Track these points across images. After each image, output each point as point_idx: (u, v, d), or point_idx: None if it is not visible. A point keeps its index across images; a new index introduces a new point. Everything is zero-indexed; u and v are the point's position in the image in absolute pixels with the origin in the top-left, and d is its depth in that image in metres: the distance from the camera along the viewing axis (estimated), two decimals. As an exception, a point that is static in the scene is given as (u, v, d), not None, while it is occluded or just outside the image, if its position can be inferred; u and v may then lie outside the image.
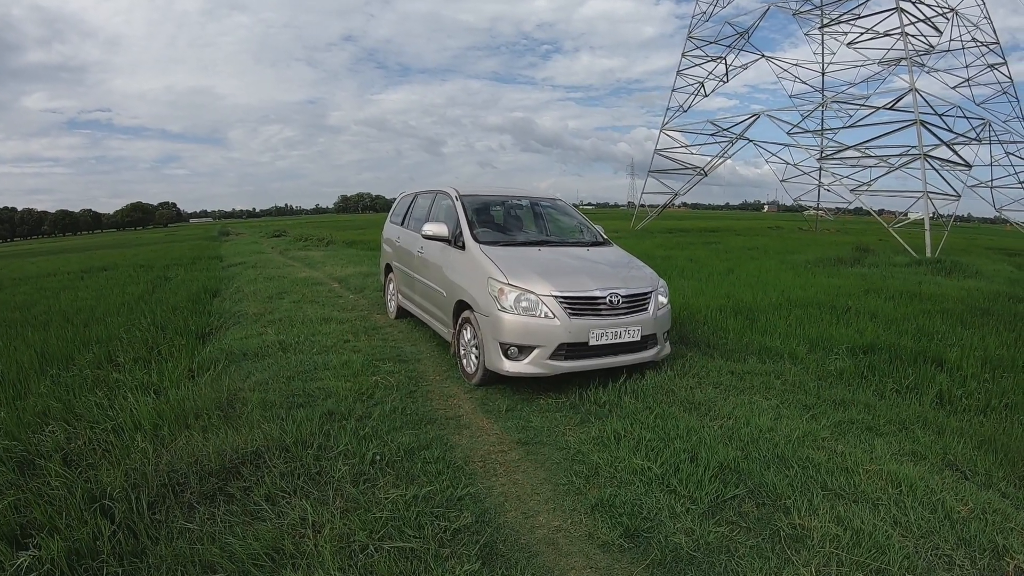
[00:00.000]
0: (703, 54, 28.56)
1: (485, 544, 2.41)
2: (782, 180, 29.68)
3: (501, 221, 5.70)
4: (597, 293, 4.19)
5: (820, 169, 26.22)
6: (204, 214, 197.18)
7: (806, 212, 36.66)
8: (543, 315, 4.07)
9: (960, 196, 17.27)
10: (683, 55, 29.39)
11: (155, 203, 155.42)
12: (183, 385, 4.31)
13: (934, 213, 16.84)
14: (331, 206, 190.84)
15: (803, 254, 15.01)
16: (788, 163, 28.08)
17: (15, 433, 3.40)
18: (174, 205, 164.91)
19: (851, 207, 23.99)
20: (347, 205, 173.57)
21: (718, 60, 27.99)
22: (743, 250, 16.43)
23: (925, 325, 6.20)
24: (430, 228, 5.16)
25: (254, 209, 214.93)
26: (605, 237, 5.66)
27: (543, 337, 4.05)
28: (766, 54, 28.21)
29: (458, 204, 5.28)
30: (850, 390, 4.35)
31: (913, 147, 16.93)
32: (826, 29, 24.21)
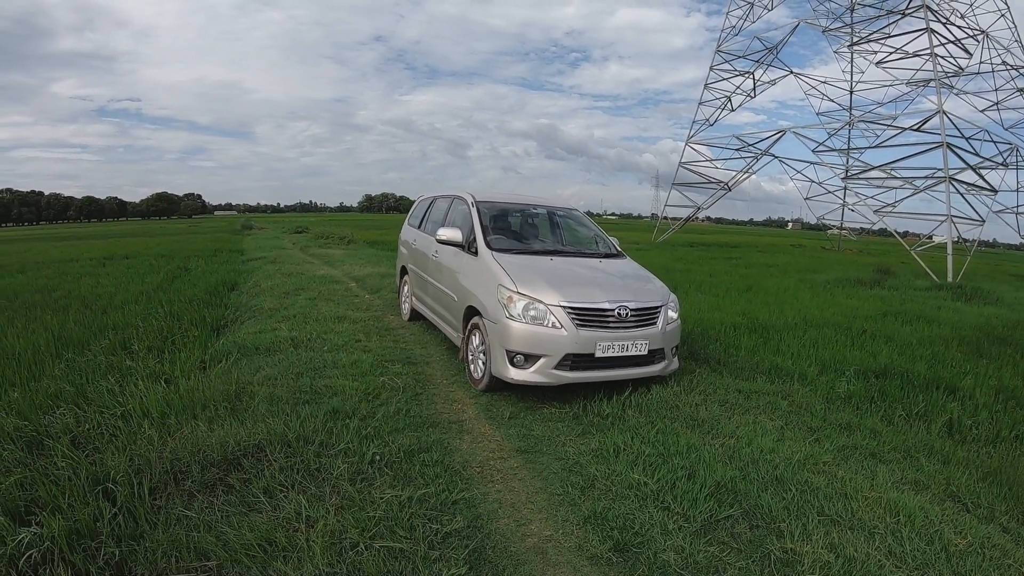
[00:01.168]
0: (731, 68, 28.48)
1: (474, 549, 2.42)
2: (806, 198, 29.41)
3: (516, 229, 5.73)
4: (606, 305, 4.18)
5: (845, 188, 25.90)
6: (229, 207, 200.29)
7: (829, 231, 36.22)
8: (551, 325, 4.08)
9: (985, 221, 17.02)
10: (711, 68, 29.32)
11: (180, 194, 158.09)
12: (194, 376, 4.37)
13: (958, 237, 16.53)
14: (355, 205, 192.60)
15: (824, 273, 14.84)
16: (813, 181, 27.81)
17: (26, 414, 3.50)
18: (199, 197, 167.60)
19: (875, 228, 23.65)
20: (371, 204, 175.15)
21: (746, 75, 27.86)
22: (763, 267, 16.30)
23: (940, 351, 6.10)
24: (444, 233, 5.19)
25: (278, 204, 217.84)
26: (619, 249, 5.66)
27: (549, 347, 4.05)
28: (794, 70, 28.04)
29: (473, 210, 5.31)
30: (858, 414, 4.29)
31: (939, 170, 16.66)
32: (855, 47, 23.96)
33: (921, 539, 2.62)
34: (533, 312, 4.11)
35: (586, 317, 4.13)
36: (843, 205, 28.54)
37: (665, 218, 34.29)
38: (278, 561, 2.24)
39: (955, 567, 2.46)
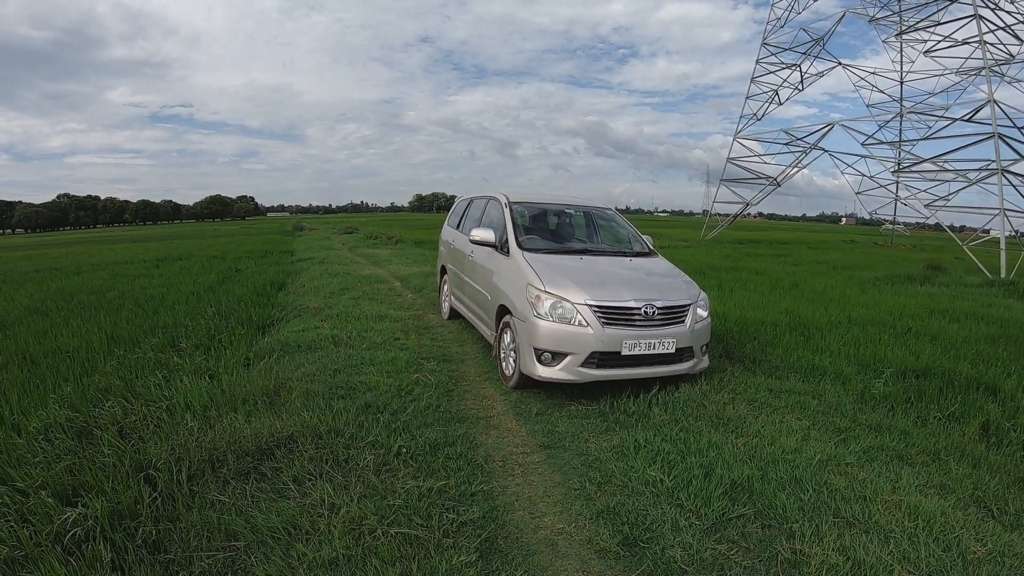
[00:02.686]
0: (778, 61, 27.73)
1: (486, 539, 2.51)
2: (858, 192, 28.34)
3: (548, 229, 5.79)
4: (632, 304, 4.20)
5: (897, 182, 24.82)
6: (281, 208, 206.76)
7: (882, 227, 34.78)
8: (577, 323, 4.13)
9: (1040, 215, 16.02)
10: (757, 62, 28.63)
11: (233, 196, 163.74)
12: (237, 372, 4.61)
13: (1012, 231, 15.66)
14: (406, 205, 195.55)
15: (873, 270, 14.34)
16: (864, 175, 26.78)
17: (78, 406, 3.77)
18: (252, 199, 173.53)
19: (931, 222, 22.59)
20: (422, 204, 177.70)
21: (793, 67, 27.05)
22: (812, 264, 15.86)
23: (986, 351, 5.83)
24: (478, 234, 5.31)
25: (330, 205, 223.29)
26: (651, 247, 5.65)
27: (576, 344, 4.11)
28: (843, 62, 26.99)
29: (506, 211, 5.41)
30: (890, 416, 4.16)
31: (991, 161, 15.81)
32: (904, 36, 22.88)
33: (938, 545, 2.54)
34: (560, 311, 4.17)
35: (612, 315, 4.16)
36: (895, 199, 27.39)
37: (715, 215, 33.62)
38: (300, 543, 2.39)
39: (970, 575, 2.38)
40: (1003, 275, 14.24)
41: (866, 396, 4.52)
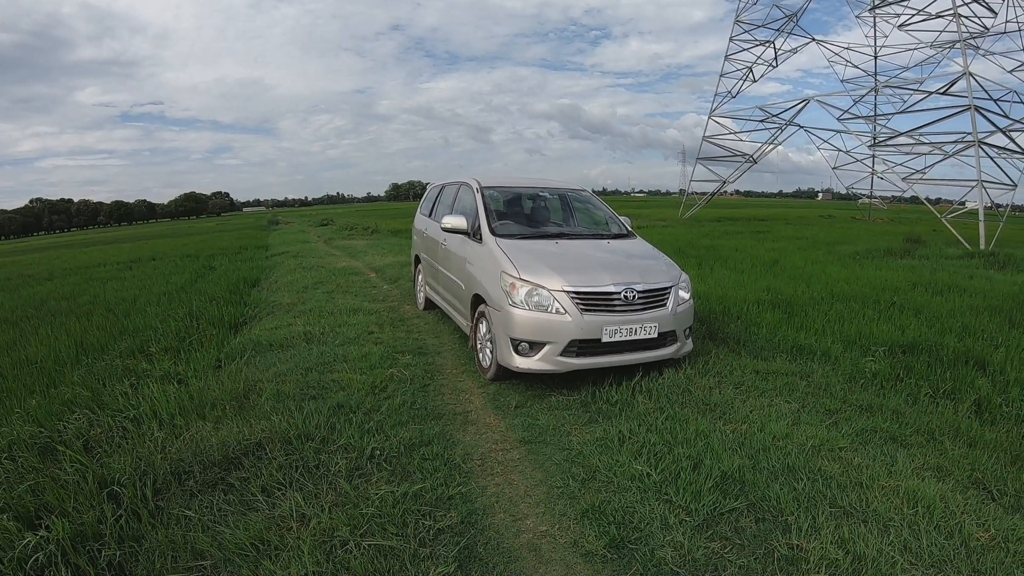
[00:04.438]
0: (751, 38, 27.68)
1: (465, 546, 2.37)
2: (834, 168, 28.54)
3: (522, 214, 5.62)
4: (611, 288, 4.07)
5: (873, 156, 25.00)
6: (257, 203, 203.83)
7: (859, 201, 35.16)
8: (554, 311, 3.99)
9: (1016, 185, 16.28)
10: (731, 39, 28.54)
11: (208, 193, 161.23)
12: (207, 376, 4.42)
13: (989, 203, 15.86)
14: (383, 194, 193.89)
15: (853, 245, 14.41)
16: (840, 150, 26.93)
17: (42, 420, 3.57)
18: (227, 195, 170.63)
19: (907, 196, 22.81)
20: (398, 193, 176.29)
21: (767, 44, 27.02)
22: (791, 240, 15.88)
23: (971, 323, 5.80)
24: (449, 221, 5.13)
25: (306, 198, 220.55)
26: (629, 229, 5.52)
27: (554, 333, 3.96)
28: (817, 38, 27.02)
29: (478, 196, 5.24)
30: (881, 394, 4.09)
31: (967, 134, 15.93)
32: (877, 11, 22.84)
33: (940, 533, 2.44)
34: (536, 298, 4.02)
35: (590, 301, 4.02)
36: (872, 173, 27.63)
37: (692, 194, 33.67)
38: (268, 560, 2.23)
39: (975, 563, 2.27)
40: (982, 246, 14.41)
41: (856, 375, 4.45)
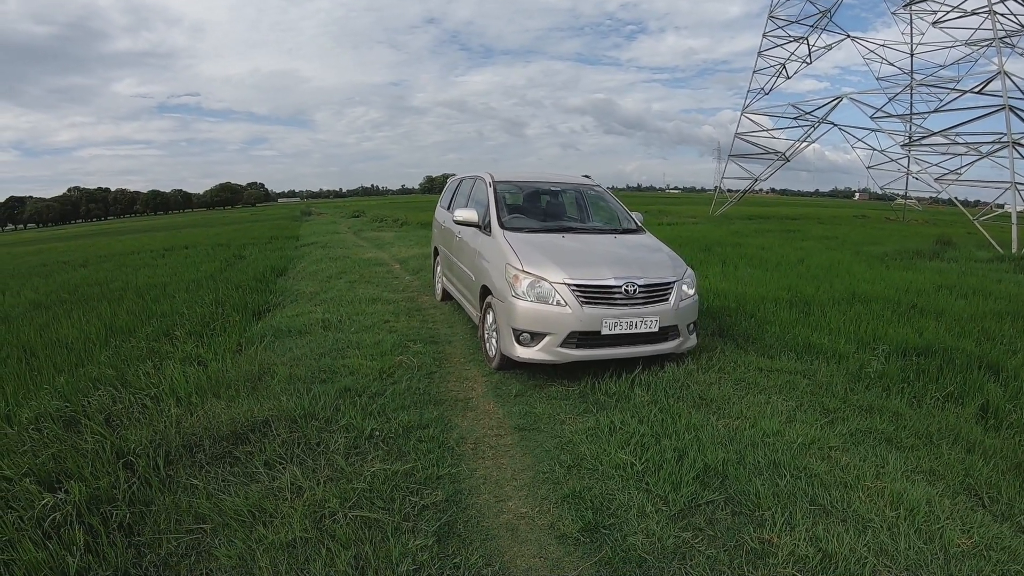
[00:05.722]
0: (785, 34, 27.01)
1: (446, 523, 2.49)
2: (868, 167, 27.74)
3: (532, 208, 5.72)
4: (611, 282, 4.13)
5: (908, 156, 24.24)
6: (292, 194, 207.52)
7: (894, 201, 34.13)
8: (555, 303, 4.07)
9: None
10: (764, 35, 27.95)
11: (243, 183, 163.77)
12: (226, 359, 4.63)
13: (1023, 205, 15.24)
14: (417, 186, 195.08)
15: (882, 245, 14.05)
16: (875, 149, 26.16)
17: (68, 396, 3.81)
18: (262, 185, 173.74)
19: (944, 197, 22.04)
20: (432, 186, 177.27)
21: (800, 40, 26.34)
22: (820, 239, 15.55)
23: (992, 328, 5.64)
24: (461, 214, 5.25)
25: (340, 189, 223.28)
26: (639, 224, 5.55)
27: (554, 325, 4.05)
28: (852, 34, 26.20)
29: (490, 190, 5.35)
30: (884, 396, 4.04)
31: (1003, 134, 15.29)
32: (913, 7, 22.05)
33: (919, 536, 2.42)
34: (538, 290, 4.11)
35: (591, 294, 4.09)
36: (907, 173, 26.79)
37: (726, 191, 33.20)
38: (261, 527, 2.39)
39: (951, 570, 2.25)
40: (1014, 250, 13.88)
41: (861, 375, 4.40)
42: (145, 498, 2.67)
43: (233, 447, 3.14)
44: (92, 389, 3.99)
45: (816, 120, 24.82)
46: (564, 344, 4.06)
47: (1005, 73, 15.52)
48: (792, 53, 26.85)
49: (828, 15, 24.75)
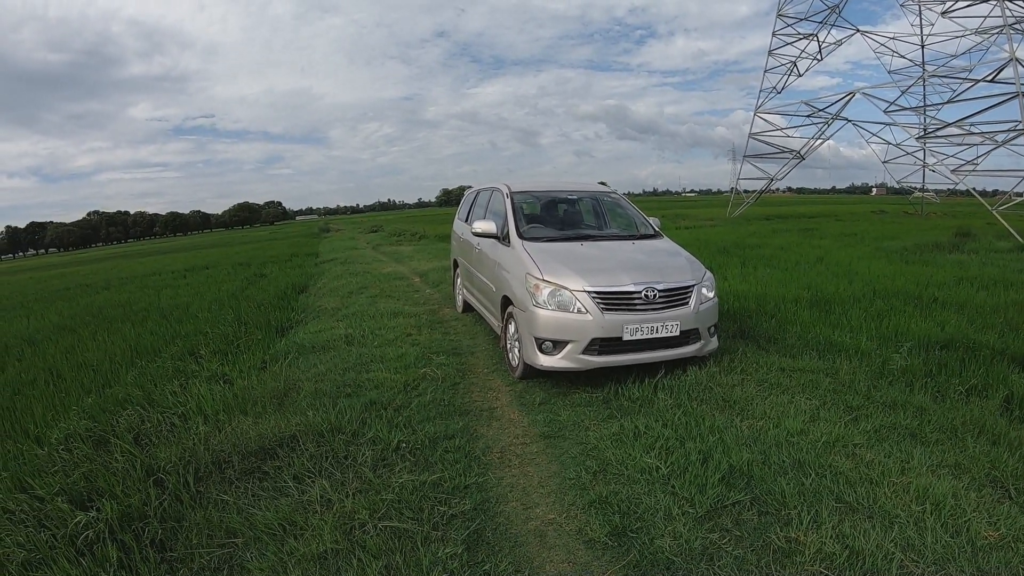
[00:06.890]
0: (794, 32, 26.96)
1: (475, 531, 2.52)
2: (884, 161, 27.47)
3: (550, 217, 5.76)
4: (631, 288, 4.14)
5: (924, 149, 23.96)
6: (309, 211, 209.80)
7: (912, 195, 33.67)
8: (576, 310, 4.10)
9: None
10: (774, 34, 27.96)
11: (261, 202, 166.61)
12: (251, 376, 4.71)
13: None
14: (433, 199, 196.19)
15: (901, 240, 13.91)
16: (890, 143, 25.90)
17: (97, 416, 3.91)
18: (279, 204, 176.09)
19: (962, 189, 21.74)
20: (448, 199, 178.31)
21: (810, 37, 26.27)
22: (839, 237, 15.42)
23: (1015, 318, 5.56)
24: (479, 226, 5.31)
25: (357, 205, 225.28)
26: (656, 229, 5.57)
27: (576, 332, 4.07)
28: (862, 28, 26.12)
29: (507, 201, 5.41)
30: (908, 391, 4.00)
31: (1018, 122, 15.06)
32: (918, -3, 21.92)
33: (946, 531, 2.41)
34: (559, 299, 4.14)
35: (611, 301, 4.11)
36: (923, 166, 26.45)
37: (743, 192, 33.02)
38: (292, 539, 2.44)
39: (979, 563, 2.23)
40: (1034, 239, 13.64)
41: (884, 372, 4.37)
42: (176, 514, 2.74)
43: (262, 462, 3.20)
44: (120, 409, 4.09)
45: (830, 117, 24.78)
46: (586, 351, 4.08)
47: (1017, 60, 15.33)
48: (802, 50, 26.85)
49: (837, 10, 24.70)
